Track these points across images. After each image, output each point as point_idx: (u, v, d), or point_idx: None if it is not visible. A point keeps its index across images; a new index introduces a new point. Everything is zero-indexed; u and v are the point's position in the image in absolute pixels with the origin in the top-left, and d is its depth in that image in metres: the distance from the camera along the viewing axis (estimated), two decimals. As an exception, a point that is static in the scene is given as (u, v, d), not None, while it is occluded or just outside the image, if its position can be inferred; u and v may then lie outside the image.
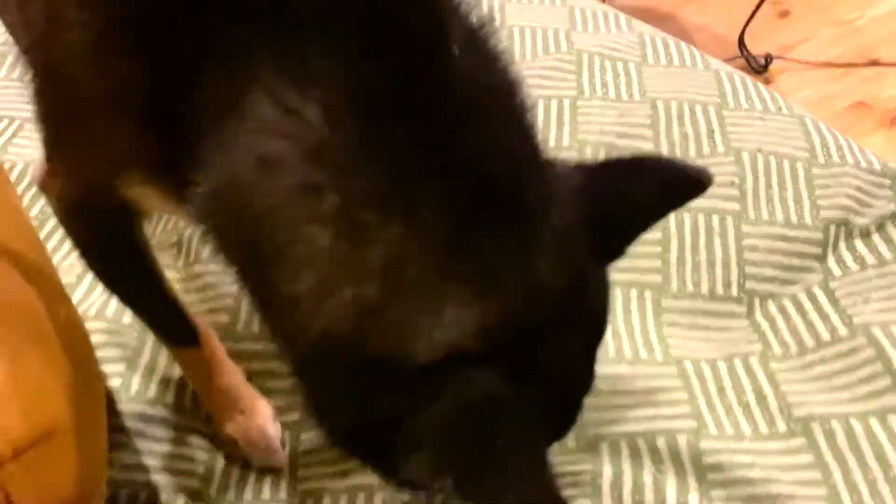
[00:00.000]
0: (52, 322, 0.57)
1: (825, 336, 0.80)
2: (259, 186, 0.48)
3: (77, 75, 0.53)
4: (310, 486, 0.76)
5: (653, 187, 0.57)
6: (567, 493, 0.72)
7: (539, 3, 1.19)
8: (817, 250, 0.88)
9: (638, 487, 0.72)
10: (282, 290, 0.49)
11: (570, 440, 0.75)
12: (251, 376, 0.83)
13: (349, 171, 0.46)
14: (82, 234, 0.68)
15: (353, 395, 0.50)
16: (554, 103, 1.03)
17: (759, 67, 1.98)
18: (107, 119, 0.54)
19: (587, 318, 0.54)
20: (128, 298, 0.74)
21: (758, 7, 1.98)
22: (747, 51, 2.00)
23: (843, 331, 0.80)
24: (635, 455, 0.74)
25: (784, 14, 2.15)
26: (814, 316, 0.82)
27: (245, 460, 0.78)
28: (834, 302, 0.83)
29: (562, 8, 1.18)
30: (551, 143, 0.98)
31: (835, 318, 0.81)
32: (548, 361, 0.49)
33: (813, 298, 0.84)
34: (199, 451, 0.78)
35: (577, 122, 1.01)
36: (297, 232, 0.47)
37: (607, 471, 0.73)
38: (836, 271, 0.86)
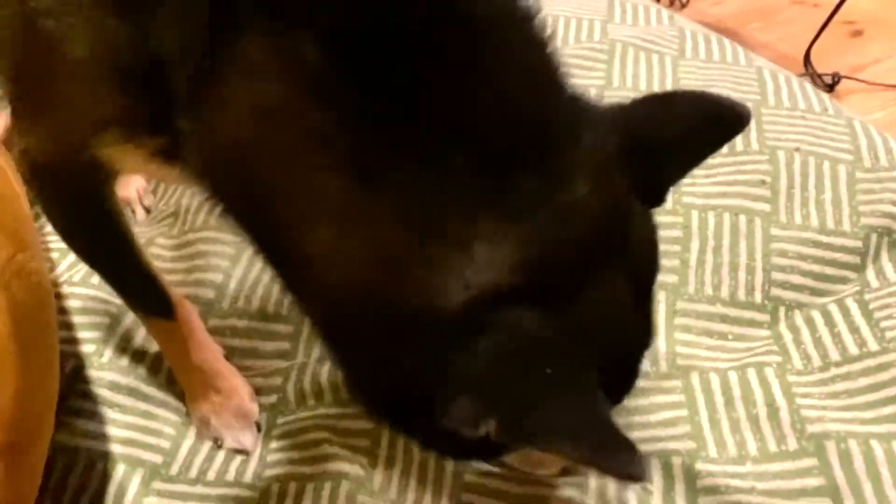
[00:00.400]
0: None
1: (853, 350, 0.72)
2: (259, 138, 0.45)
3: (55, 31, 0.50)
4: (277, 470, 0.72)
5: (690, 123, 0.52)
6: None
7: (577, -6, 1.14)
8: (855, 259, 0.79)
9: (622, 501, 0.65)
10: (298, 248, 0.46)
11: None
12: (233, 354, 0.79)
13: (356, 111, 0.43)
14: (46, 192, 0.64)
15: (387, 351, 0.47)
16: (579, 93, 0.97)
17: (825, 87, 1.87)
18: (86, 77, 0.51)
19: (632, 253, 0.49)
20: (90, 259, 0.70)
21: (825, 25, 1.89)
22: (813, 69, 1.90)
23: (873, 345, 0.72)
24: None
25: (857, 34, 2.04)
26: (843, 328, 0.74)
27: (215, 440, 0.74)
28: (867, 315, 0.74)
29: (600, 0, 1.12)
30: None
31: (866, 331, 0.73)
32: (591, 299, 0.46)
33: (845, 311, 0.75)
34: (167, 426, 0.75)
35: (602, 113, 0.95)
36: (308, 183, 0.45)
37: (592, 482, 0.66)
38: (874, 283, 0.77)
